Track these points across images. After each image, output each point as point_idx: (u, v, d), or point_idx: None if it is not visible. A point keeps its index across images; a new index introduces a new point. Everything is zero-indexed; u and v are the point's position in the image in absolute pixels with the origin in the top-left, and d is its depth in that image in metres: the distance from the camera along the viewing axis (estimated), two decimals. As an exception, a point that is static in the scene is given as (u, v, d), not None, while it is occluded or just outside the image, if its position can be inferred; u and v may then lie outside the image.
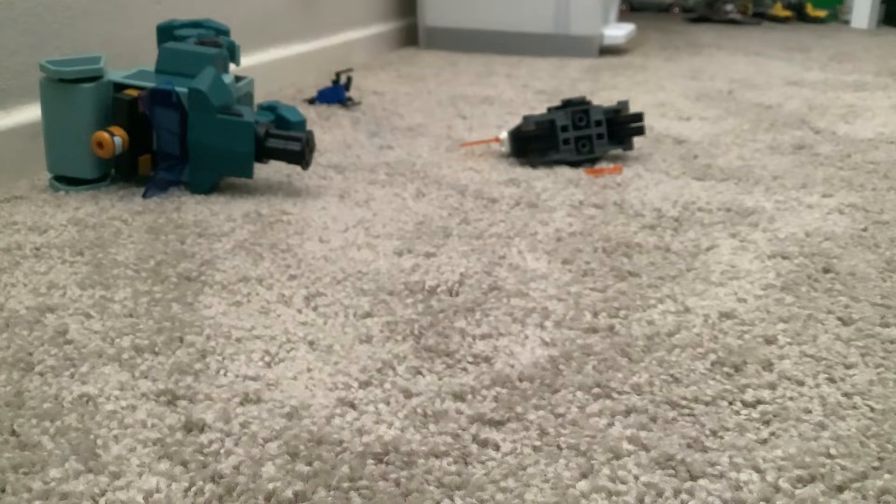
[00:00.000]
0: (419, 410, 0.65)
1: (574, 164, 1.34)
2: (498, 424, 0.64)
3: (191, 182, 1.16)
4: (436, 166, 1.32)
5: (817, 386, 0.70)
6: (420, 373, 0.71)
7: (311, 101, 1.76)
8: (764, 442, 0.62)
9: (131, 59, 1.42)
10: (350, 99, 1.76)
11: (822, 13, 3.71)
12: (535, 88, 1.99)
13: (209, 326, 0.78)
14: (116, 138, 1.11)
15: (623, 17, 3.68)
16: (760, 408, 0.66)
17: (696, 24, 3.60)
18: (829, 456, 0.61)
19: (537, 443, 0.62)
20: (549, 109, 1.36)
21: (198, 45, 1.20)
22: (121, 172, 1.18)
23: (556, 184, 1.24)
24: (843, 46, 2.84)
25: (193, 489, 0.56)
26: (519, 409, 0.66)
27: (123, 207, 1.09)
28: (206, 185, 1.16)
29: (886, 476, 0.58)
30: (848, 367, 0.73)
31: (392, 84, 2.01)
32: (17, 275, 0.88)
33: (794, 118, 1.70)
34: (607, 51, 2.64)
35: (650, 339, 0.77)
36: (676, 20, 3.72)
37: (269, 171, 1.29)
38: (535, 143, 1.34)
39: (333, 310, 0.82)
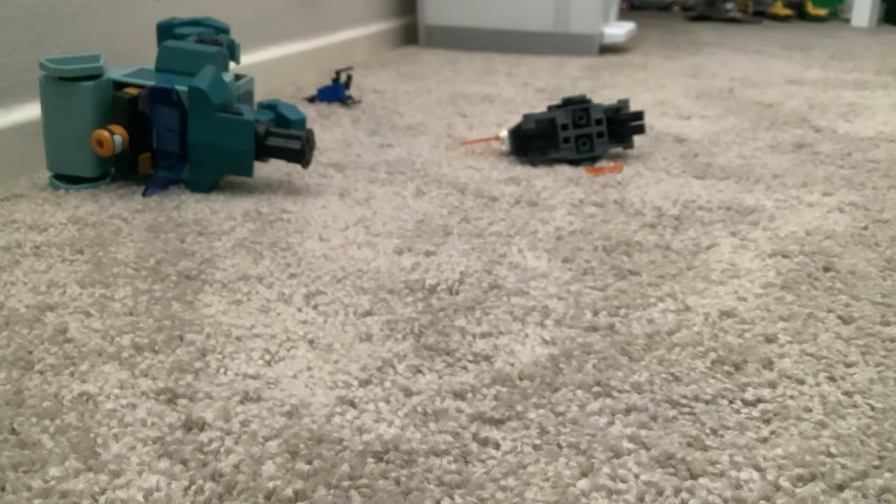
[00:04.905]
0: (419, 409, 0.65)
1: (574, 163, 1.33)
2: (498, 423, 0.64)
3: (191, 180, 1.16)
4: (436, 165, 1.32)
5: (818, 384, 0.70)
6: (420, 371, 0.71)
7: (311, 100, 1.76)
8: (764, 440, 0.62)
9: (131, 57, 1.42)
10: (350, 97, 1.76)
11: (822, 12, 3.71)
12: (535, 87, 1.99)
13: (209, 325, 0.78)
14: (116, 137, 1.11)
15: (623, 15, 3.68)
16: (761, 406, 0.66)
17: (697, 22, 3.60)
18: (830, 454, 0.61)
19: (537, 441, 0.62)
20: (550, 108, 1.36)
21: (198, 44, 1.20)
22: (121, 171, 1.18)
23: (556, 182, 1.24)
24: (843, 45, 2.84)
25: (193, 488, 0.56)
26: (519, 408, 0.66)
27: (123, 206, 1.09)
28: (206, 183, 1.16)
29: (887, 475, 0.58)
30: (848, 365, 0.73)
31: (392, 82, 2.01)
32: (16, 273, 0.88)
33: (795, 117, 1.70)
34: (607, 49, 2.64)
35: (650, 338, 0.77)
36: (677, 18, 3.72)
37: (269, 169, 1.29)
38: (535, 142, 1.34)
39: (333, 308, 0.82)
